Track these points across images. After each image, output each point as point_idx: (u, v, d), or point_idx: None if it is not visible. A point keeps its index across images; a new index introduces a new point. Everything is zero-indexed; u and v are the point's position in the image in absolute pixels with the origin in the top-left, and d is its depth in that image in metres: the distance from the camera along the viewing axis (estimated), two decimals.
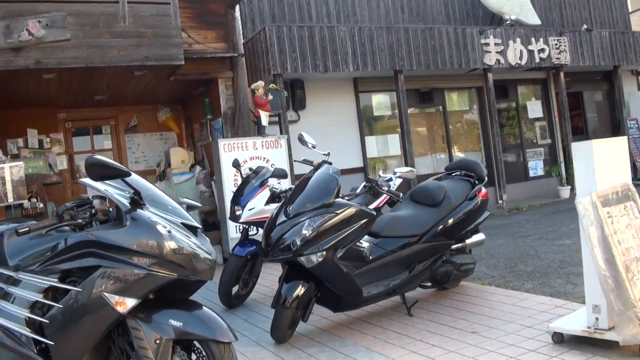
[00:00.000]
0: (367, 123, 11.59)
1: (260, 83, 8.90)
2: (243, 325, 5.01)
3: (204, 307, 2.72)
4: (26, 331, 2.55)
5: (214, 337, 2.59)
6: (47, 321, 2.52)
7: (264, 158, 8.47)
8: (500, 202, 11.74)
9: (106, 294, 2.48)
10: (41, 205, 7.81)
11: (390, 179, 5.74)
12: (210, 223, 9.21)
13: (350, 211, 4.23)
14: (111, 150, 11.30)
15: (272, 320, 4.29)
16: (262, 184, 5.82)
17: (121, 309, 2.49)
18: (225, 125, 9.39)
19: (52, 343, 2.51)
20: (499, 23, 12.33)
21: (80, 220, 2.66)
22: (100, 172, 2.51)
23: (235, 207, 5.86)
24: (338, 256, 4.20)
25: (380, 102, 11.84)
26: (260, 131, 8.79)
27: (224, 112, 9.36)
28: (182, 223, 2.73)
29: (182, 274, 2.59)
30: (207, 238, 2.89)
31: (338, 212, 4.19)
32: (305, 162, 5.23)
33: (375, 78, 11.05)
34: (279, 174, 5.89)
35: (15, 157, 8.47)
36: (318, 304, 4.52)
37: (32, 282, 2.59)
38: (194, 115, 10.92)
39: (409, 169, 5.30)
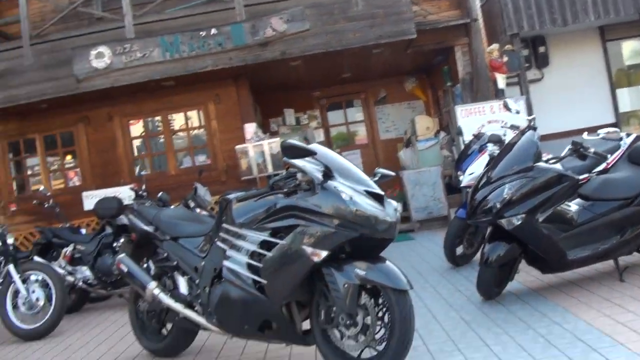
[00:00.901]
0: (618, 74, 10.57)
1: (495, 46, 8.92)
2: (461, 282, 5.39)
3: (387, 261, 3.26)
4: (248, 273, 3.38)
5: (391, 285, 3.13)
6: (262, 265, 3.31)
7: (502, 121, 8.46)
8: None
9: (304, 247, 3.17)
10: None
11: (621, 139, 5.46)
12: (454, 187, 9.55)
13: (549, 175, 4.30)
14: (363, 122, 12.32)
15: (477, 277, 4.59)
16: (481, 149, 6.02)
17: (316, 259, 3.16)
18: (464, 91, 9.60)
19: (266, 282, 3.30)
20: None
21: (286, 190, 3.38)
22: (292, 152, 3.20)
23: (458, 172, 6.21)
24: (540, 220, 4.31)
25: (634, 49, 10.68)
26: (497, 94, 8.84)
27: (462, 78, 9.58)
28: (366, 190, 3.27)
29: (363, 232, 3.14)
30: (392, 202, 3.38)
31: (537, 176, 4.29)
32: (513, 127, 5.34)
33: (624, 23, 9.95)
34: (494, 140, 5.98)
35: (275, 134, 9.88)
36: (528, 264, 4.69)
37: (252, 236, 3.41)
38: (438, 82, 11.25)
39: (613, 129, 5.02)
